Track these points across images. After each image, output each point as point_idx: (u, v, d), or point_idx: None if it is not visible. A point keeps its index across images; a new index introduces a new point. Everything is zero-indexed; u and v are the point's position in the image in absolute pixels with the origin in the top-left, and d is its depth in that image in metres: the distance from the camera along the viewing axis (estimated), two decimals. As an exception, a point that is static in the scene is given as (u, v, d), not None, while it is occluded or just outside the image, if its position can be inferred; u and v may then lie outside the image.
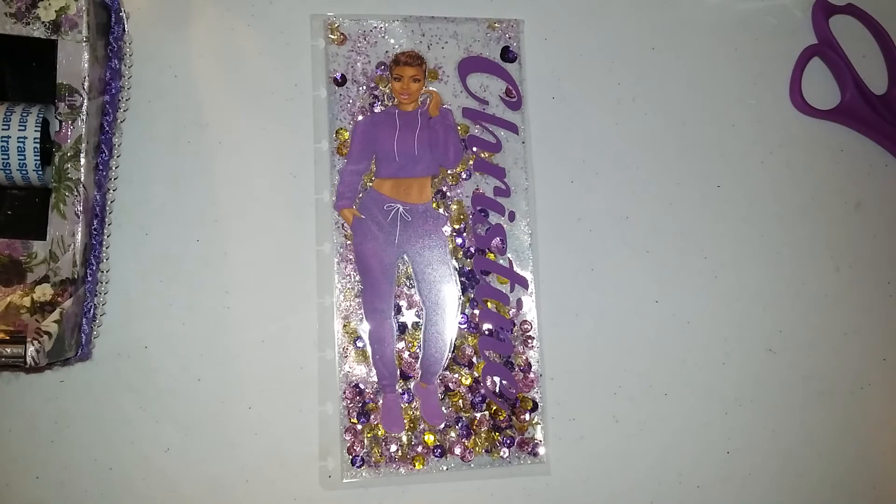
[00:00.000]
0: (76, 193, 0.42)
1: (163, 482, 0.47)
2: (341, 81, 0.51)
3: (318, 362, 0.49)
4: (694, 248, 0.54)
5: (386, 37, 0.52)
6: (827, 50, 0.57)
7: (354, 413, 0.48)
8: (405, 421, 0.49)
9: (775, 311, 0.55)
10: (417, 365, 0.49)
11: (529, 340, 0.51)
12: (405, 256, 0.50)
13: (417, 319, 0.50)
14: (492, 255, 0.51)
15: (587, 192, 0.53)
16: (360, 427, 0.48)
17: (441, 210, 0.51)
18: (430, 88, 0.52)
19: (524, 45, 0.53)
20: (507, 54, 0.53)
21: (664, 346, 0.53)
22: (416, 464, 0.49)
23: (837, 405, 0.55)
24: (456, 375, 0.50)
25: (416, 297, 0.50)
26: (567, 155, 0.53)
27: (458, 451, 0.49)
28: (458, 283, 0.50)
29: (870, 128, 0.57)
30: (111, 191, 0.46)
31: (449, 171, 0.51)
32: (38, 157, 0.42)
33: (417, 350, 0.49)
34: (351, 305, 0.49)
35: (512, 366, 0.50)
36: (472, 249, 0.51)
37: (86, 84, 0.42)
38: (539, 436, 0.50)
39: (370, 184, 0.50)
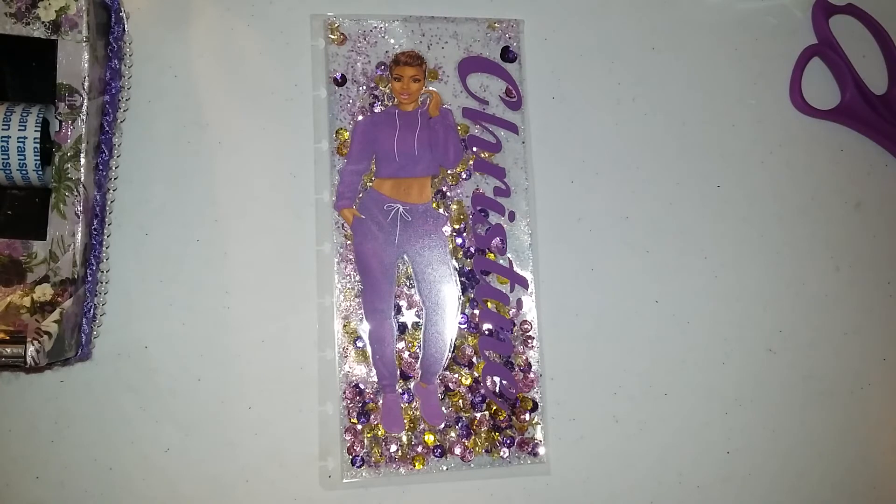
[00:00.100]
0: (76, 193, 0.42)
1: (163, 482, 0.47)
2: (341, 81, 0.51)
3: (318, 362, 0.49)
4: (694, 248, 0.54)
5: (386, 37, 0.52)
6: (827, 50, 0.57)
7: (354, 413, 0.48)
8: (405, 421, 0.49)
9: (775, 311, 0.55)
10: (417, 365, 0.49)
11: (529, 340, 0.51)
12: (405, 256, 0.50)
13: (417, 319, 0.50)
14: (492, 255, 0.51)
15: (587, 192, 0.53)
16: (360, 427, 0.48)
17: (441, 210, 0.51)
18: (430, 88, 0.52)
19: (524, 45, 0.53)
20: (507, 54, 0.53)
21: (664, 346, 0.53)
22: (416, 464, 0.49)
23: (837, 405, 0.55)
24: (456, 375, 0.50)
25: (416, 297, 0.50)
26: (567, 155, 0.53)
27: (458, 451, 0.49)
28: (458, 283, 0.50)
29: (870, 128, 0.57)
30: (111, 191, 0.46)
31: (449, 171, 0.51)
32: (38, 157, 0.42)
33: (417, 350, 0.49)
34: (351, 305, 0.49)
35: (512, 366, 0.50)
36: (472, 249, 0.51)
37: (86, 84, 0.42)
38: (539, 436, 0.50)
39: (370, 184, 0.50)
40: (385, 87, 0.51)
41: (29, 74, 0.45)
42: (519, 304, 0.51)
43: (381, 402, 0.49)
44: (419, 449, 0.49)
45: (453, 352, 0.50)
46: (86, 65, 0.42)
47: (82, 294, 0.43)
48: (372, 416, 0.49)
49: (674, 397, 0.53)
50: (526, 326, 0.51)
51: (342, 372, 0.49)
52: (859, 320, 0.56)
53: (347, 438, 0.48)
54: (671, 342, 0.53)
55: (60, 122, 0.41)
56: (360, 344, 0.49)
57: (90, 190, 0.43)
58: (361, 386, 0.49)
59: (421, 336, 0.50)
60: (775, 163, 0.56)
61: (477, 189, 0.51)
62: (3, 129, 0.42)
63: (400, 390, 0.49)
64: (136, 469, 0.47)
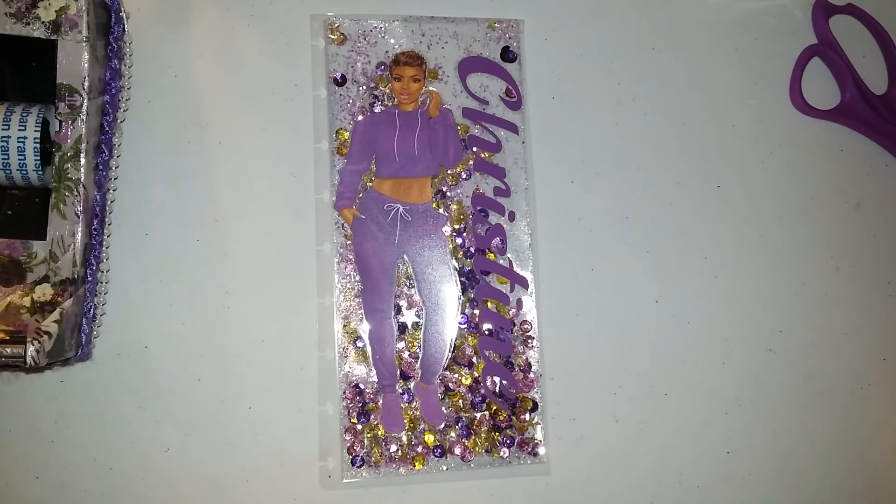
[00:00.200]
0: (76, 193, 0.42)
1: (163, 482, 0.47)
2: (341, 81, 0.51)
3: (318, 362, 0.49)
4: (694, 248, 0.54)
5: (386, 37, 0.52)
6: (827, 50, 0.57)
7: (354, 413, 0.48)
8: (405, 421, 0.49)
9: (775, 311, 0.55)
10: (417, 365, 0.49)
11: (529, 340, 0.51)
12: (405, 256, 0.50)
13: (417, 319, 0.50)
14: (492, 255, 0.51)
15: (587, 192, 0.53)
16: (360, 427, 0.48)
17: (441, 210, 0.51)
18: (430, 88, 0.52)
19: (524, 45, 0.53)
20: (507, 54, 0.53)
21: (664, 346, 0.53)
22: (416, 464, 0.49)
23: (837, 405, 0.55)
24: (456, 375, 0.50)
25: (416, 297, 0.50)
26: (567, 155, 0.53)
27: (458, 451, 0.49)
28: (458, 283, 0.50)
29: (870, 128, 0.57)
30: (111, 191, 0.46)
31: (449, 171, 0.51)
32: (38, 157, 0.42)
33: (417, 350, 0.49)
34: (351, 305, 0.49)
35: (512, 366, 0.50)
36: (472, 249, 0.51)
37: (86, 84, 0.42)
38: (539, 436, 0.50)
39: (370, 184, 0.50)
40: (385, 87, 0.51)
41: (29, 74, 0.45)
42: (519, 304, 0.51)
43: (381, 402, 0.49)
44: (419, 449, 0.49)
45: (453, 352, 0.50)
46: (86, 65, 0.42)
47: (82, 294, 0.43)
48: (372, 416, 0.49)
49: (674, 397, 0.53)
50: (526, 326, 0.51)
51: (342, 372, 0.49)
52: (859, 320, 0.56)
53: (347, 438, 0.48)
54: (671, 342, 0.53)
55: (60, 122, 0.41)
56: (360, 344, 0.49)
57: (90, 190, 0.43)
58: (361, 386, 0.49)
59: (421, 336, 0.50)
60: (775, 163, 0.56)
61: (477, 189, 0.51)
62: (3, 129, 0.42)
63: (400, 390, 0.49)
64: (136, 469, 0.47)
